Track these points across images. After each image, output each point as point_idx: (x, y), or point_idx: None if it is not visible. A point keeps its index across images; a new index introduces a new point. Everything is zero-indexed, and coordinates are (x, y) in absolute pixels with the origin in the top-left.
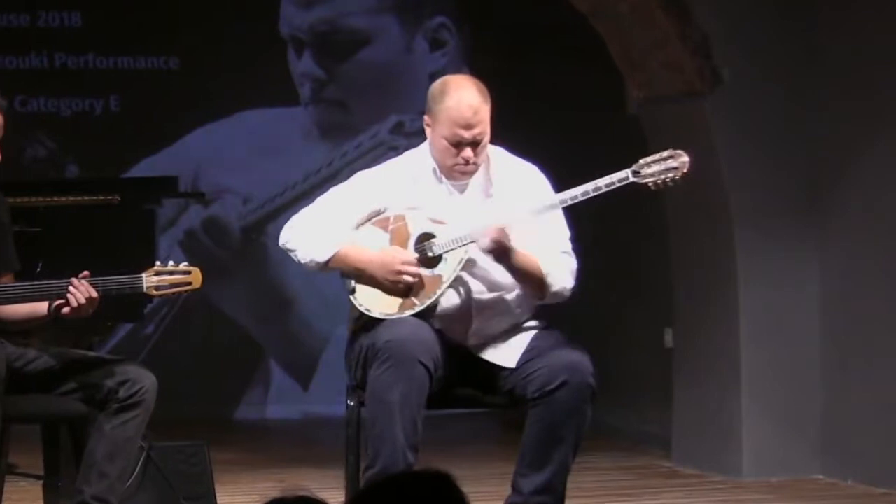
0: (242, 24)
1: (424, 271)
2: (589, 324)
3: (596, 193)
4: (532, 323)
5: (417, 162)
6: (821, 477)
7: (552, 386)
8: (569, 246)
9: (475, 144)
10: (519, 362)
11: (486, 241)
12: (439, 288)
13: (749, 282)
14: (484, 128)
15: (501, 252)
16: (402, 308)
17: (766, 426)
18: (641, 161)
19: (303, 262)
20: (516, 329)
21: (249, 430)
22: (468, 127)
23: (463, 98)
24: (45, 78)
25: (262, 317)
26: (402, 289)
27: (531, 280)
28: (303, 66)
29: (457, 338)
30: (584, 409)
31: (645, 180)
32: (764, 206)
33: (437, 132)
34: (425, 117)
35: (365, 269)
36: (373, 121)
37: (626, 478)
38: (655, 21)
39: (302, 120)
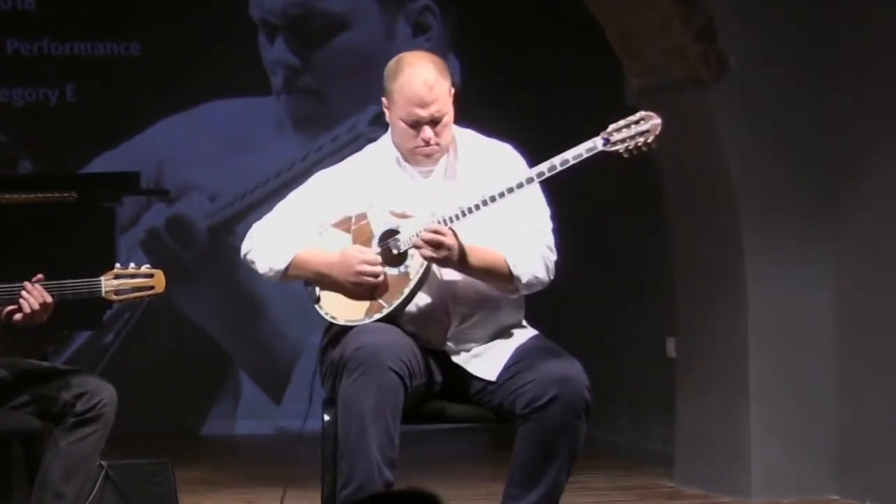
0: (210, 6)
1: (390, 270)
2: (585, 332)
3: (563, 167)
4: (519, 332)
5: (379, 153)
6: (836, 498)
7: (543, 401)
8: (544, 224)
9: (434, 123)
10: (503, 376)
11: (421, 252)
12: (407, 287)
13: (758, 286)
14: (442, 105)
15: (442, 260)
16: (368, 312)
17: (776, 443)
18: (610, 127)
19: (262, 272)
20: (500, 338)
21: (217, 446)
22: (424, 105)
23: (416, 74)
24: None
25: (231, 324)
26: (366, 291)
27: (495, 278)
28: (275, 52)
29: (434, 342)
30: (578, 424)
31: (616, 147)
32: (774, 205)
33: (394, 114)
34: (383, 100)
35: (326, 273)
36: (351, 112)
37: (626, 498)
38: (656, 3)
39: (274, 111)
